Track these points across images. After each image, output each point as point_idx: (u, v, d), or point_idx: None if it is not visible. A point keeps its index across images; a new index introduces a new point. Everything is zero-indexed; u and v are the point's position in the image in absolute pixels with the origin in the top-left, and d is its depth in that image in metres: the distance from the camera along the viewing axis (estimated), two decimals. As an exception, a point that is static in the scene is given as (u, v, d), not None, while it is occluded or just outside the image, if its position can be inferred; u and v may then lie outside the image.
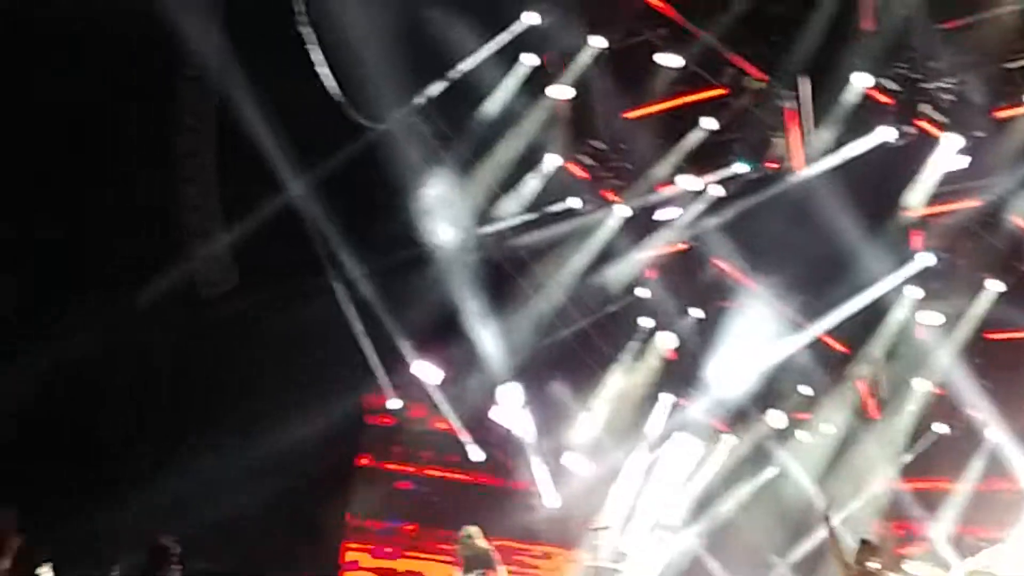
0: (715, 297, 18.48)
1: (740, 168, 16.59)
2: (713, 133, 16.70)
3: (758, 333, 17.66)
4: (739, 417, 18.65)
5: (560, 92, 16.66)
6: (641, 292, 18.68)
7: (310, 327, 16.10)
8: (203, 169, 15.85)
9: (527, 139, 17.07)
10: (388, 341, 17.30)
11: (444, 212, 16.47)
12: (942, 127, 15.04)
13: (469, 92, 16.52)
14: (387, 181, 16.18)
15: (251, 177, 15.38)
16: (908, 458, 17.41)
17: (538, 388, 18.56)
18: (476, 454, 18.53)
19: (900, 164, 15.54)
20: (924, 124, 15.18)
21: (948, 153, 15.18)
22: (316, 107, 15.15)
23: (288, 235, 15.88)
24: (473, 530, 13.07)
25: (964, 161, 15.11)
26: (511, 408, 18.31)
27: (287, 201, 15.69)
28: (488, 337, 17.48)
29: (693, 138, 16.75)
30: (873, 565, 12.39)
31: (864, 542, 12.54)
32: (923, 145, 15.41)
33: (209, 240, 15.92)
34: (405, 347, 17.51)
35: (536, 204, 17.75)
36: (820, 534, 17.23)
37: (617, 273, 18.16)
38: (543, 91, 16.69)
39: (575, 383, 18.83)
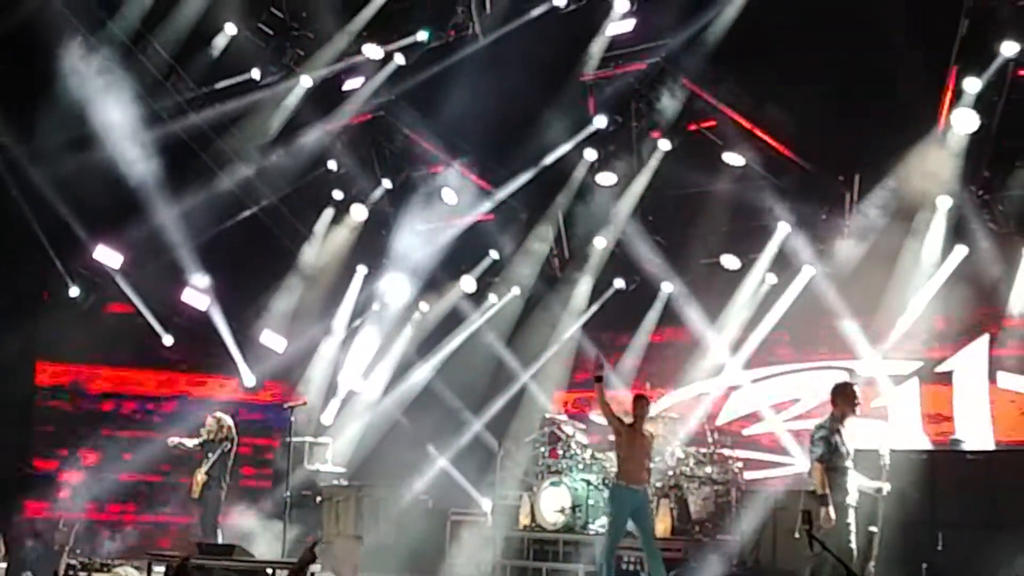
0: (404, 167, 18.58)
1: (422, 36, 16.55)
2: (395, 1, 16.59)
3: (446, 200, 17.92)
4: (432, 284, 18.96)
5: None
6: (331, 164, 18.56)
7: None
8: None
9: (202, 8, 16.45)
10: (64, 226, 16.54)
11: (110, 88, 15.66)
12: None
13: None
14: (45, 58, 15.31)
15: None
16: (591, 312, 18.17)
17: (230, 267, 18.20)
18: (167, 338, 18.10)
19: (573, 29, 15.88)
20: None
21: (618, 17, 15.64)
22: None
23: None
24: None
25: (631, 25, 15.61)
26: (202, 289, 17.90)
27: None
28: (173, 217, 16.95)
29: (374, 5, 16.60)
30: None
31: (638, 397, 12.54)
32: (594, 10, 15.80)
33: None
34: (83, 232, 16.82)
35: (216, 76, 17.21)
36: (510, 393, 18.05)
37: (305, 145, 17.92)
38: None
39: (268, 259, 18.61)
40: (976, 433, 14.53)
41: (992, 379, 15.25)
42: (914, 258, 15.15)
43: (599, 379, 12.08)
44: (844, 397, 10.29)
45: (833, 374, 16.42)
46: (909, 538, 11.54)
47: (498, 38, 16.15)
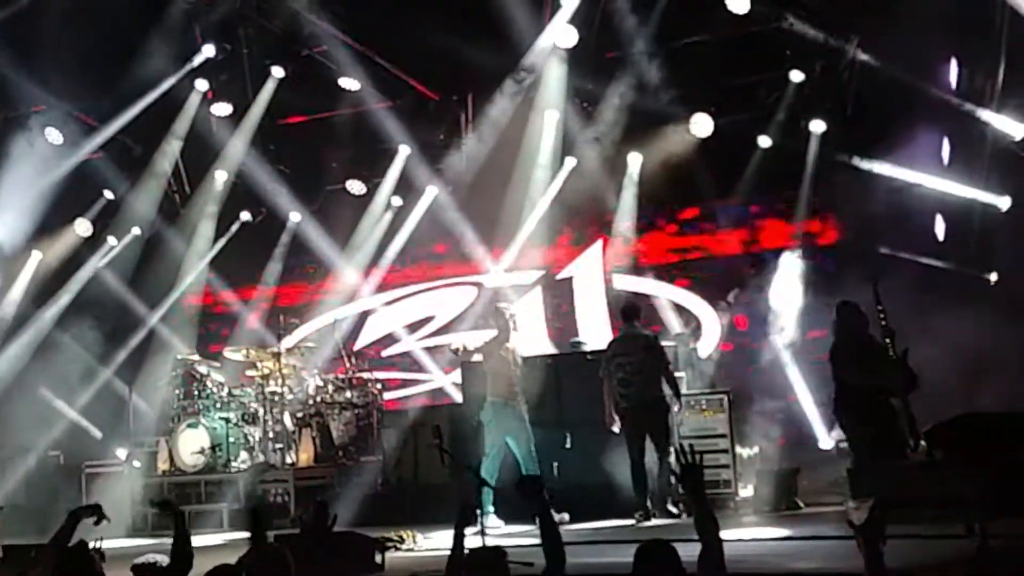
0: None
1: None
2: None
3: (51, 140, 16.84)
4: (44, 230, 17.82)
5: None
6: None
7: None
8: None
9: None
10: None
11: None
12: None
13: None
14: None
15: None
16: (218, 247, 17.71)
17: None
18: None
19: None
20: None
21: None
22: None
23: None
24: None
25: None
26: None
27: None
28: None
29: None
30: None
31: None
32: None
33: None
34: None
35: None
36: (138, 337, 17.41)
37: None
38: None
39: None
40: (595, 334, 15.40)
41: (607, 281, 16.20)
42: (528, 172, 15.76)
43: None
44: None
45: (463, 290, 16.98)
46: (542, 439, 12.12)
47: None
